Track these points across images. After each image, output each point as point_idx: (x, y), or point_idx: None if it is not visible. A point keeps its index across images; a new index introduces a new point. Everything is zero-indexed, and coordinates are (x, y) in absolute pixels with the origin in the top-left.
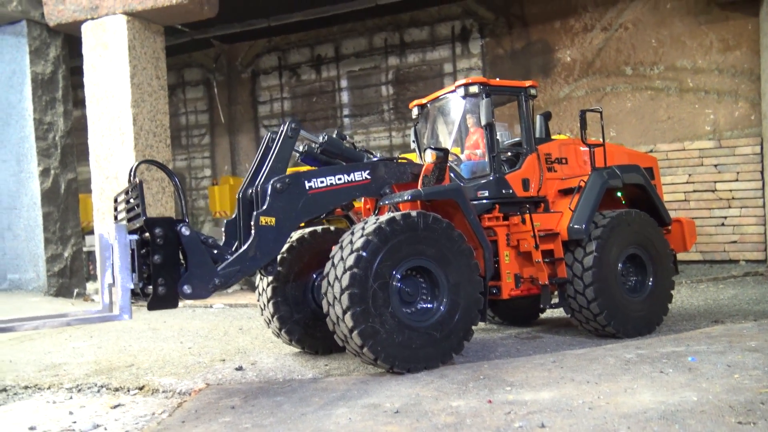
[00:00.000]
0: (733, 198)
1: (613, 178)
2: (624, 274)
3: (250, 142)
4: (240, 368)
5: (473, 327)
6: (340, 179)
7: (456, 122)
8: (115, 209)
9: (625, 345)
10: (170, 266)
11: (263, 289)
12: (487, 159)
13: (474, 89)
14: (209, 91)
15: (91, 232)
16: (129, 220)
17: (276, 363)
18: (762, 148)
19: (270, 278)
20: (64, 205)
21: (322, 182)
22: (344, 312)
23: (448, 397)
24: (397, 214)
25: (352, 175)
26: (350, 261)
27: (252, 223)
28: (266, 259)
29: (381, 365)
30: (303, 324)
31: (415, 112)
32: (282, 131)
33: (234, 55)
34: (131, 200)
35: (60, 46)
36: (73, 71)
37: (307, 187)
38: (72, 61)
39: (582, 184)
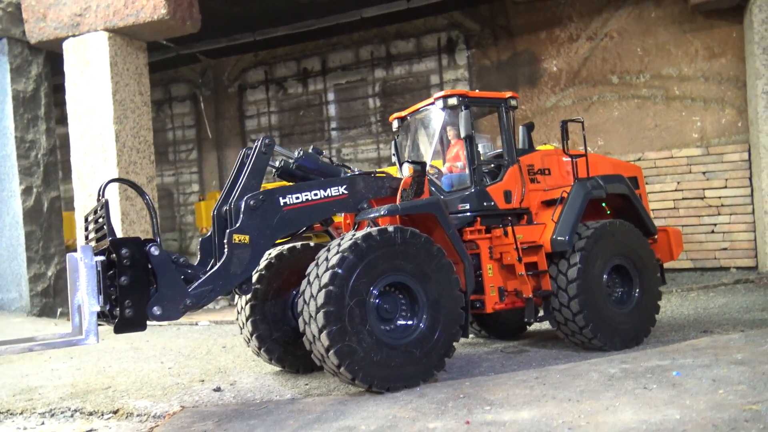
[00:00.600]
0: (722, 205)
1: (596, 188)
2: (609, 285)
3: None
4: (218, 389)
5: (455, 343)
6: (316, 195)
7: (436, 134)
8: (86, 229)
9: (610, 359)
10: (138, 288)
11: (242, 307)
12: (467, 171)
13: (453, 101)
14: (196, 106)
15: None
16: (98, 240)
17: (255, 383)
18: (750, 155)
19: (248, 296)
20: (47, 223)
21: (297, 198)
22: (320, 331)
23: (426, 417)
24: (373, 230)
25: (328, 190)
26: (325, 278)
27: (225, 241)
28: (240, 278)
29: (359, 385)
30: (283, 342)
31: (395, 124)
32: (256, 147)
33: (220, 69)
34: (99, 220)
35: (42, 64)
36: (56, 89)
37: (282, 204)
38: (54, 79)
39: (564, 195)
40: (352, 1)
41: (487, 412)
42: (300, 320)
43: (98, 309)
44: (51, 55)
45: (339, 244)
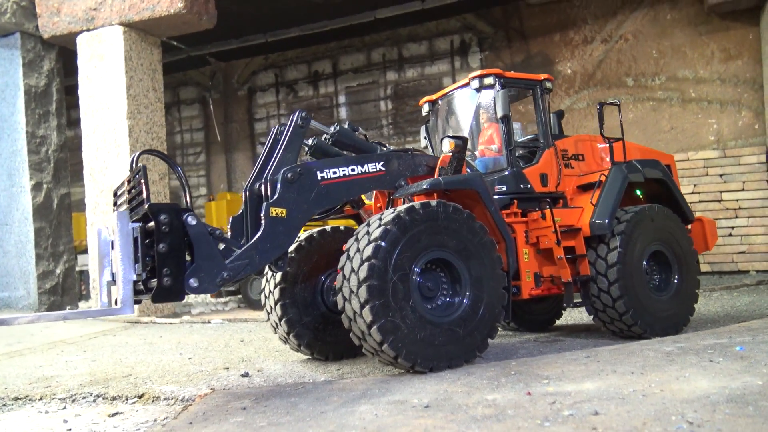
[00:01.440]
0: (739, 208)
1: (634, 172)
2: (648, 272)
3: (247, 160)
4: (246, 374)
5: (497, 324)
6: (353, 170)
7: (470, 116)
8: (115, 204)
9: (660, 341)
10: (176, 256)
11: (269, 291)
12: (504, 153)
13: (489, 80)
14: (205, 110)
15: (84, 251)
16: (131, 210)
17: (284, 369)
18: (767, 157)
19: (278, 279)
20: (57, 220)
21: (334, 173)
22: (362, 306)
23: (481, 391)
24: (416, 203)
25: (366, 166)
26: (368, 251)
27: (262, 214)
28: (277, 252)
29: (401, 363)
30: (312, 328)
31: (425, 108)
32: (292, 121)
33: (230, 72)
34: (133, 189)
35: (54, 59)
36: (67, 90)
37: (320, 178)
38: (66, 80)
39: (602, 178)
40: (366, 1)
41: (546, 385)
42: (338, 297)
43: (135, 278)
44: (63, 52)
45: (380, 218)
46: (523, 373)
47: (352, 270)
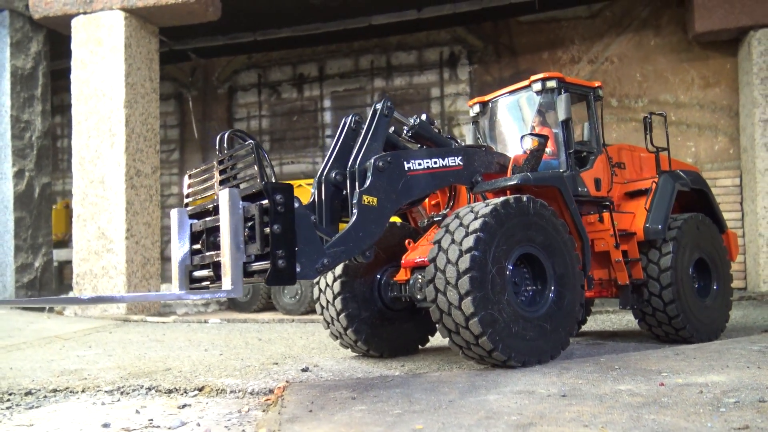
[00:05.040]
0: None
1: (680, 181)
2: (693, 278)
3: None
4: (306, 369)
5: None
6: (435, 163)
7: (529, 117)
8: (187, 195)
9: (723, 343)
10: (290, 238)
11: (327, 284)
12: (563, 155)
13: (552, 84)
14: (181, 106)
15: (61, 245)
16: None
17: (342, 365)
18: (741, 181)
19: (338, 272)
20: (37, 210)
21: (419, 164)
22: (462, 297)
23: (603, 384)
24: (510, 198)
25: (446, 159)
26: (469, 242)
27: (354, 202)
28: (368, 241)
29: (496, 357)
30: (370, 323)
31: (475, 109)
32: (377, 110)
33: (210, 69)
34: (228, 170)
35: (42, 42)
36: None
37: (407, 168)
38: (51, 64)
39: (654, 185)
40: (363, 7)
41: (668, 378)
42: (428, 289)
43: (245, 259)
44: (50, 35)
45: (474, 211)
46: (627, 368)
47: (448, 261)
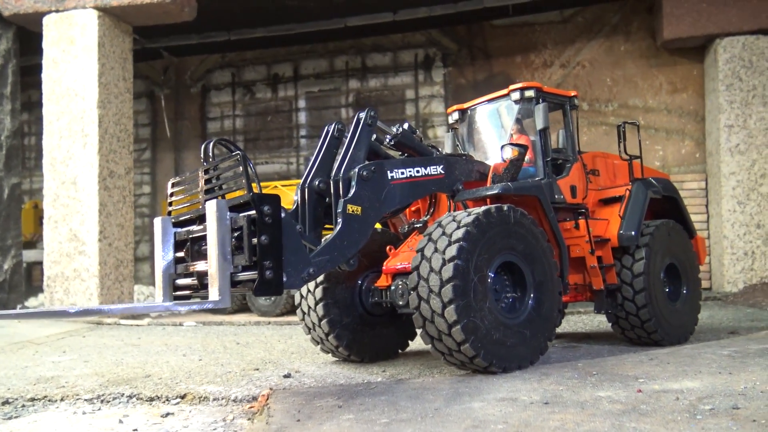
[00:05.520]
0: None
1: (652, 188)
2: (664, 282)
3: (197, 158)
4: (288, 375)
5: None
6: (418, 171)
7: (507, 126)
8: (170, 201)
9: (694, 347)
10: (277, 248)
11: (308, 290)
12: (540, 163)
13: (530, 93)
14: (153, 105)
15: (30, 246)
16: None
17: (324, 371)
18: (706, 184)
19: (320, 278)
20: (6, 212)
21: (402, 173)
22: (445, 305)
23: (583, 390)
24: (491, 207)
25: (428, 168)
26: (452, 251)
27: (339, 211)
28: (354, 249)
29: (478, 363)
30: (351, 329)
31: (454, 116)
32: (361, 119)
33: (183, 68)
34: (213, 179)
35: (11, 39)
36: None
37: (390, 177)
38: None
39: (627, 193)
40: (338, 8)
41: (645, 384)
42: (411, 297)
43: (231, 270)
44: (20, 33)
45: (457, 220)
46: (605, 374)
47: (431, 270)
